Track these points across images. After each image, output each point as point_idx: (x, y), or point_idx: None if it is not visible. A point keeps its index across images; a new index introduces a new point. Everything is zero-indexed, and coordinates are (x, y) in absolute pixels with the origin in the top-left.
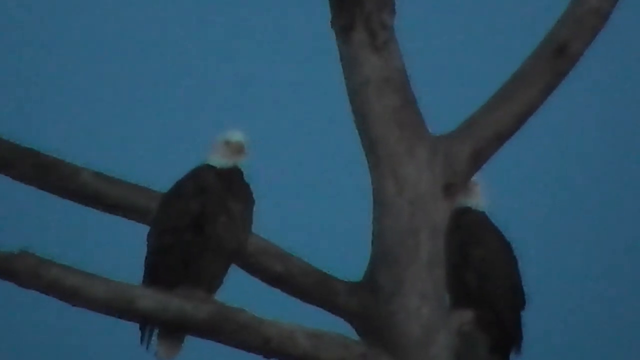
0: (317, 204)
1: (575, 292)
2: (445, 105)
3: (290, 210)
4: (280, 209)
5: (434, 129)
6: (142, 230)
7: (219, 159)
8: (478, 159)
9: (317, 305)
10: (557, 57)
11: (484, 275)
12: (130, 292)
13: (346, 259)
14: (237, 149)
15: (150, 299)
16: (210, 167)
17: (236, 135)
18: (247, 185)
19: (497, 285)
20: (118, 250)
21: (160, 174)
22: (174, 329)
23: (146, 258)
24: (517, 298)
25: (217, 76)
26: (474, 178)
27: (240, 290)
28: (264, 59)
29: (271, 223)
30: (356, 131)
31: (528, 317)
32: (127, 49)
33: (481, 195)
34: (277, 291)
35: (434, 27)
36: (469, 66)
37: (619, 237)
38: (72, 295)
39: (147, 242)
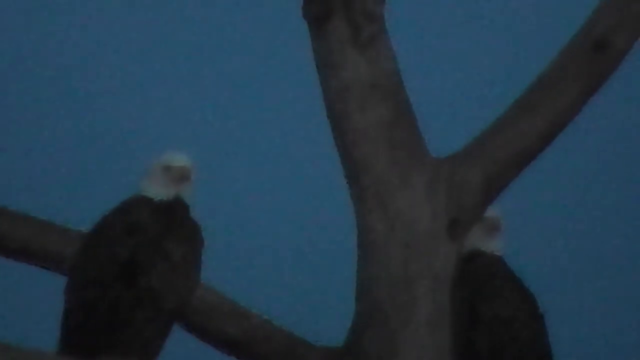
0: (289, 246)
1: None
2: (451, 119)
3: (252, 255)
4: (241, 253)
5: (436, 150)
6: (59, 282)
7: (157, 189)
8: (492, 188)
9: None
10: (595, 55)
11: (498, 339)
12: None
13: (324, 317)
14: (180, 176)
15: None
16: (144, 200)
17: (179, 159)
18: (193, 222)
19: (514, 351)
20: (27, 307)
21: (81, 208)
22: None
23: (63, 318)
24: None
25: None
26: (488, 212)
27: (188, 356)
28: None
29: (227, 272)
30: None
31: None
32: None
33: (497, 235)
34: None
35: (436, 18)
36: (482, 69)
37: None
38: None
39: (64, 297)
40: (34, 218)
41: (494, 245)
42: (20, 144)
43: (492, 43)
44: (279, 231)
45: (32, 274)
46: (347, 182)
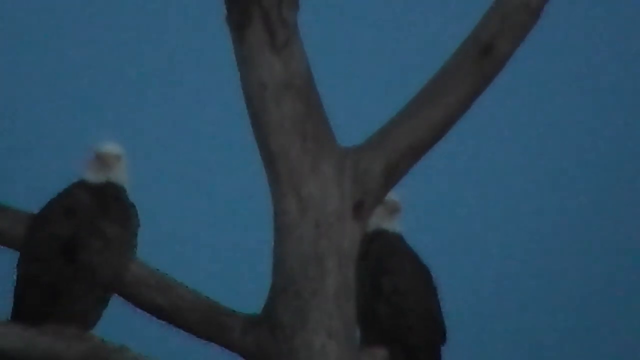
0: (215, 225)
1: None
2: (358, 114)
3: (183, 233)
4: (173, 231)
5: (345, 141)
6: (12, 257)
7: (90, 174)
8: (392, 175)
9: (209, 341)
10: (481, 59)
11: (397, 308)
12: None
13: (246, 289)
14: (109, 161)
15: (15, 337)
16: (83, 184)
17: (107, 146)
18: (128, 204)
19: (412, 318)
20: None
21: (34, 193)
22: None
23: (14, 289)
24: (434, 333)
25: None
26: (390, 195)
27: (129, 323)
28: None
29: (161, 248)
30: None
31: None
32: None
33: (397, 216)
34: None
35: (343, 23)
36: (385, 68)
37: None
38: None
39: (15, 272)
40: None
41: (394, 225)
42: None
43: (394, 47)
44: (206, 216)
45: None
46: (264, 170)
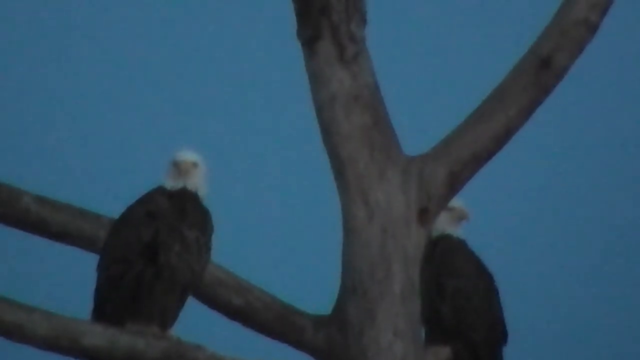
0: (285, 230)
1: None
2: (422, 124)
3: (255, 237)
4: (245, 235)
5: (410, 150)
6: (93, 259)
7: (169, 181)
8: (455, 182)
9: (281, 341)
10: (540, 72)
11: (460, 308)
12: (76, 328)
13: (315, 290)
14: (186, 170)
15: (98, 336)
16: (163, 190)
17: (184, 155)
18: (204, 210)
19: (474, 318)
20: (66, 280)
21: (116, 198)
22: None
23: (95, 290)
24: (495, 332)
25: (177, 93)
26: (453, 202)
27: (201, 324)
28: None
29: (234, 251)
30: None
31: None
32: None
33: (459, 221)
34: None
35: (409, 39)
36: (448, 81)
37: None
38: (11, 332)
39: (97, 273)
40: (72, 206)
41: (458, 231)
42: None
43: (457, 61)
44: (278, 223)
45: (69, 254)
46: (334, 177)
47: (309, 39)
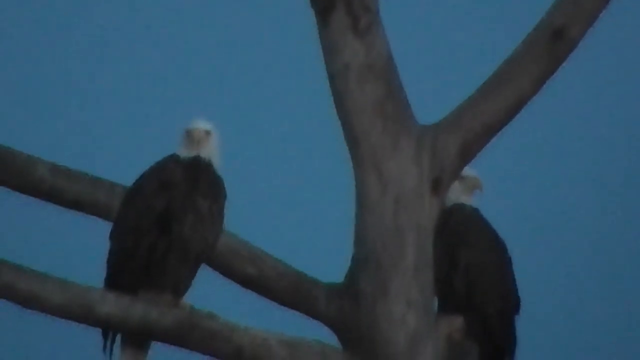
0: (298, 200)
1: (570, 293)
2: (435, 93)
3: (268, 206)
4: (258, 204)
5: (423, 119)
6: (106, 227)
7: (182, 150)
8: (467, 152)
9: (294, 310)
10: (553, 43)
11: (473, 279)
12: (90, 296)
13: (328, 259)
14: (199, 139)
15: (112, 304)
16: (175, 159)
17: (197, 124)
18: (218, 178)
19: (487, 289)
20: (80, 249)
21: (128, 166)
22: (138, 336)
23: (108, 259)
24: (508, 303)
25: (192, 67)
26: (465, 171)
27: (213, 292)
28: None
29: (247, 220)
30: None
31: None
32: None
33: (472, 190)
34: (253, 293)
35: (422, 9)
36: (461, 51)
37: (615, 238)
38: (25, 300)
39: (109, 242)
40: (86, 175)
41: (471, 200)
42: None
43: (470, 32)
44: (292, 192)
45: (83, 223)
46: (347, 149)
47: (323, 9)
